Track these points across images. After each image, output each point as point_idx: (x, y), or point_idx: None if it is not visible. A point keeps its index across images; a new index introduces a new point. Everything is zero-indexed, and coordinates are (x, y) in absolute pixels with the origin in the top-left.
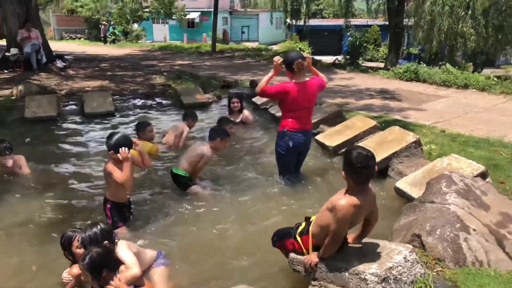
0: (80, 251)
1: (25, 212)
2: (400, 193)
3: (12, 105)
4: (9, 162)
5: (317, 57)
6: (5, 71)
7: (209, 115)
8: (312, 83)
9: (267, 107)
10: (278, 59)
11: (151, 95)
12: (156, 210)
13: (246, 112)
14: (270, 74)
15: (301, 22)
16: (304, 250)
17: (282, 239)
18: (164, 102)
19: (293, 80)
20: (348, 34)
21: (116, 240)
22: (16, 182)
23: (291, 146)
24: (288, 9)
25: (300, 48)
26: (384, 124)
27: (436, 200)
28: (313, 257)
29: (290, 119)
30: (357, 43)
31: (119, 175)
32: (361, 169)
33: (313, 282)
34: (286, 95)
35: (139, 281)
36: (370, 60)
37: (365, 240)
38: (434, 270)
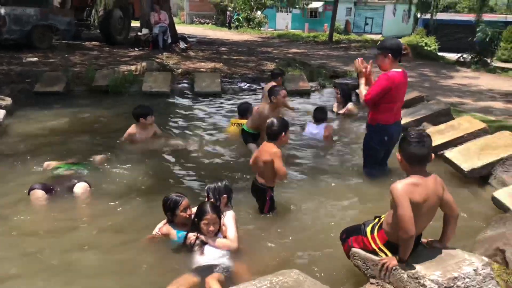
0: (184, 214)
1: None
2: (497, 203)
3: (134, 79)
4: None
5: (441, 53)
6: (136, 49)
7: (308, 103)
8: (406, 72)
9: None
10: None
11: (258, 80)
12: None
13: (350, 106)
14: (362, 81)
15: (429, 16)
16: (375, 247)
17: (351, 235)
18: None
19: (394, 69)
20: (477, 30)
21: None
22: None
23: (386, 140)
24: (415, 0)
25: (426, 43)
26: (500, 129)
27: None
28: (392, 260)
29: (386, 112)
30: (487, 40)
31: (279, 166)
32: (414, 145)
33: (371, 280)
34: (393, 86)
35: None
36: (506, 61)
37: (436, 245)
38: None
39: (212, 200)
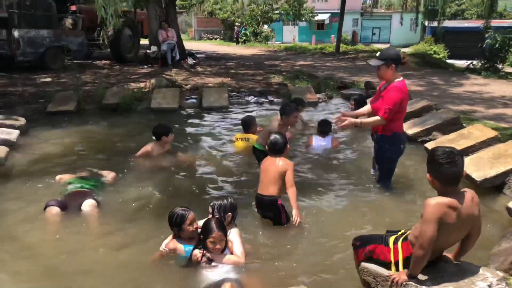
0: (190, 227)
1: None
2: None
3: (143, 96)
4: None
5: (450, 61)
6: (145, 66)
7: (313, 114)
8: None
9: None
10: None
11: (265, 93)
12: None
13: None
14: (358, 121)
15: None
16: (393, 259)
17: (368, 244)
18: (275, 100)
19: (397, 79)
20: (486, 36)
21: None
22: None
23: (402, 148)
24: (422, 9)
25: (435, 51)
26: None
27: None
28: (401, 275)
29: (398, 121)
30: (497, 46)
31: (291, 177)
32: (446, 166)
33: None
34: (405, 95)
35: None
36: None
37: (449, 259)
38: None
39: (217, 216)
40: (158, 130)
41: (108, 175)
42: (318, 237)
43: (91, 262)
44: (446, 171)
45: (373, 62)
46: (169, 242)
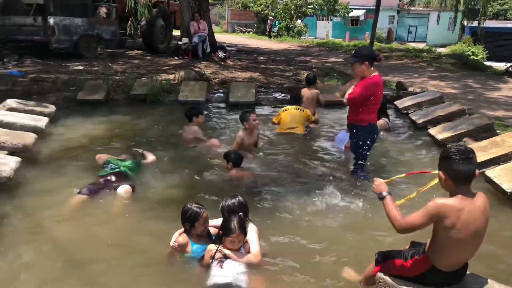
0: (202, 227)
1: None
2: None
3: (171, 88)
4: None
5: (489, 63)
6: (176, 58)
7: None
8: None
9: (409, 111)
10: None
11: (293, 90)
12: None
13: (381, 121)
14: (353, 86)
15: (477, 23)
16: (411, 275)
17: (388, 259)
18: None
19: (374, 73)
20: None
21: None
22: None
23: (376, 137)
24: (461, 8)
25: (473, 52)
26: None
27: None
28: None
29: (372, 113)
30: None
31: None
32: (461, 163)
33: None
34: (377, 89)
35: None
36: None
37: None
38: None
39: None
40: (188, 112)
41: (149, 157)
42: (335, 246)
43: (106, 251)
44: (461, 168)
45: (350, 60)
46: (178, 237)
